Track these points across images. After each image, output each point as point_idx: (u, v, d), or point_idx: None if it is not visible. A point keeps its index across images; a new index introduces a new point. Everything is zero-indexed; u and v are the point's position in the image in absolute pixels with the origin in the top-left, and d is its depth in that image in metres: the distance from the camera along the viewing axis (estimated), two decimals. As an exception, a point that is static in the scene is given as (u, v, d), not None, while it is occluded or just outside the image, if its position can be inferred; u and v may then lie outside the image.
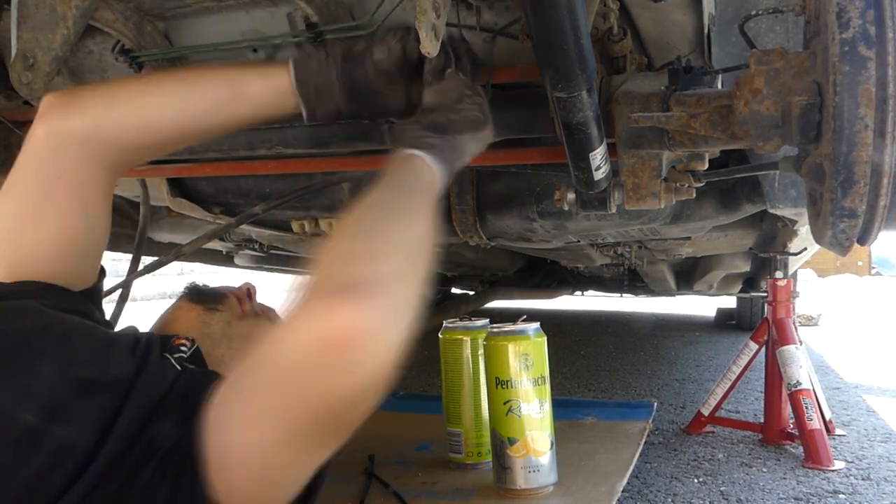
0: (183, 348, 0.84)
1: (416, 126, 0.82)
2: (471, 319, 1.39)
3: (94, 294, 0.91)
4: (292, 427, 0.61)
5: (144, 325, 0.89)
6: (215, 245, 2.23)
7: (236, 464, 0.64)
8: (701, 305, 5.15)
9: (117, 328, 0.90)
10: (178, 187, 1.57)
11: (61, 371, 0.69)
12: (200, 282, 1.09)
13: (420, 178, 0.77)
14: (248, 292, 1.08)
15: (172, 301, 1.07)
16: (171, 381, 0.73)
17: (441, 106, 0.85)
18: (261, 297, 1.12)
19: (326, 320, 0.56)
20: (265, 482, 0.66)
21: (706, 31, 1.04)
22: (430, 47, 0.82)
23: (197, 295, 1.03)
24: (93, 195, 0.88)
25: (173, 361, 0.78)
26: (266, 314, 1.08)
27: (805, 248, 1.93)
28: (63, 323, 0.76)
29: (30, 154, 0.85)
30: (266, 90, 0.88)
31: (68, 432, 0.66)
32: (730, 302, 4.36)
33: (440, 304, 3.11)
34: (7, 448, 0.64)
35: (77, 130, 0.85)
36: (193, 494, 0.66)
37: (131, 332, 0.81)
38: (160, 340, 0.82)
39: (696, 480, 1.54)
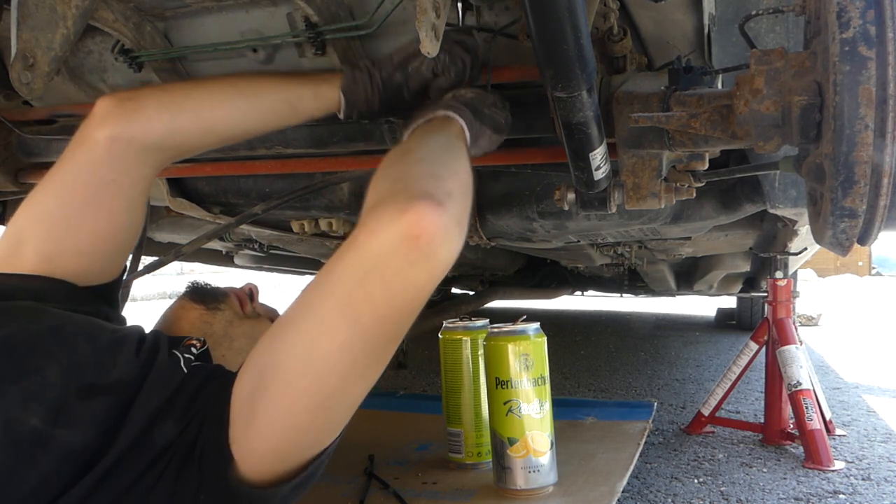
0: (193, 348, 0.84)
1: (455, 98, 0.90)
2: (471, 319, 1.39)
3: (111, 288, 0.91)
4: (369, 325, 0.64)
5: (144, 326, 0.89)
6: (215, 245, 2.23)
7: (296, 382, 0.65)
8: (701, 305, 5.15)
9: None
10: (178, 187, 1.57)
11: (66, 375, 0.69)
12: (202, 281, 1.09)
13: (459, 136, 0.84)
14: (250, 292, 1.08)
15: (173, 300, 1.07)
16: (178, 381, 0.74)
17: (476, 99, 0.92)
18: (263, 298, 1.12)
19: (407, 218, 0.61)
20: (321, 402, 0.67)
21: (706, 30, 1.04)
22: (429, 47, 0.82)
23: (199, 294, 1.04)
24: (139, 196, 0.90)
25: (182, 361, 0.78)
26: (268, 315, 1.08)
27: (805, 248, 1.93)
28: (71, 324, 0.76)
29: (87, 154, 0.85)
30: (318, 108, 0.95)
31: (72, 435, 0.66)
32: (730, 302, 4.37)
33: (440, 304, 3.11)
34: (13, 451, 0.64)
35: (141, 139, 0.86)
36: (200, 478, 0.67)
37: (138, 332, 0.81)
38: (169, 340, 0.83)
39: (696, 480, 1.54)
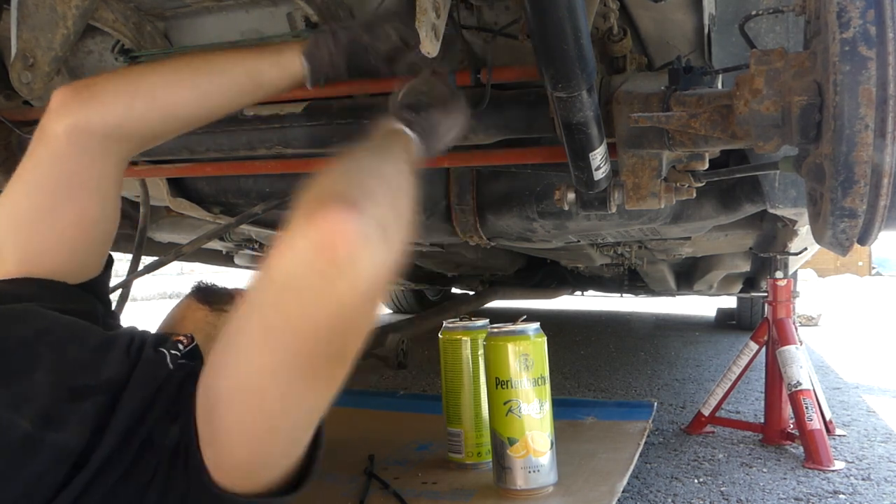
0: (180, 345, 0.84)
1: (393, 104, 0.88)
2: (471, 319, 1.39)
3: (99, 284, 0.91)
4: (291, 347, 0.60)
5: (144, 326, 0.89)
6: (215, 245, 2.23)
7: (235, 405, 0.63)
8: (701, 305, 5.15)
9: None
10: (178, 187, 1.57)
11: (56, 376, 0.69)
12: (209, 281, 1.09)
13: (398, 142, 0.81)
14: None
15: (176, 300, 1.07)
16: (162, 378, 0.73)
17: (412, 88, 0.89)
18: None
19: (315, 226, 0.56)
20: (265, 423, 0.64)
21: (706, 30, 1.04)
22: (429, 47, 0.82)
23: (205, 295, 1.03)
24: (110, 188, 0.88)
25: (168, 357, 0.78)
26: None
27: (805, 248, 1.93)
28: (60, 327, 0.75)
29: (48, 149, 0.84)
30: (281, 77, 0.92)
31: (63, 437, 0.66)
32: (730, 302, 4.36)
33: (440, 304, 3.11)
34: (4, 455, 0.64)
35: (100, 128, 0.85)
36: (188, 481, 0.67)
37: (128, 332, 0.81)
38: (156, 338, 0.82)
39: (696, 480, 1.54)
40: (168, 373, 0.75)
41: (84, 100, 0.85)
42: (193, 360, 0.83)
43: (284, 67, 0.91)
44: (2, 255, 0.82)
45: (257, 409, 0.63)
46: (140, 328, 0.86)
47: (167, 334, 0.87)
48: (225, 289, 1.07)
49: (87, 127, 0.84)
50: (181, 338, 0.86)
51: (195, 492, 0.67)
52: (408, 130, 0.83)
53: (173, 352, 0.80)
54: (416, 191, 0.72)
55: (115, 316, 0.92)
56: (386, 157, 0.75)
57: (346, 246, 0.56)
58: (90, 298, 0.87)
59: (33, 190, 0.83)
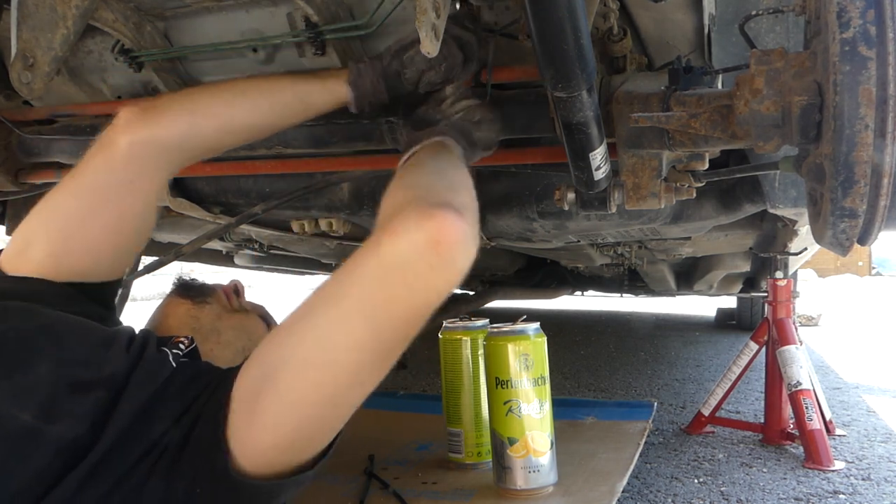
0: (181, 345, 0.85)
1: (444, 123, 0.95)
2: (471, 319, 1.39)
3: (110, 288, 0.92)
4: (382, 324, 0.66)
5: (136, 326, 0.89)
6: (215, 245, 2.23)
7: (307, 373, 0.66)
8: (701, 305, 5.15)
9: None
10: (178, 187, 1.57)
11: (57, 370, 0.70)
12: (188, 276, 1.10)
13: (461, 159, 0.88)
14: (235, 288, 1.09)
15: (162, 299, 1.08)
16: (166, 376, 0.75)
17: (465, 119, 0.97)
18: (250, 296, 1.13)
19: (432, 223, 0.64)
20: (330, 396, 0.68)
21: (706, 30, 1.04)
22: (429, 47, 0.82)
23: (186, 289, 1.06)
24: (153, 199, 0.92)
25: (170, 357, 0.79)
26: (255, 311, 1.09)
27: (805, 248, 1.93)
28: (62, 323, 0.77)
29: (107, 157, 0.87)
30: (326, 101, 0.98)
31: (63, 430, 0.67)
32: (730, 302, 4.36)
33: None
34: (5, 446, 0.65)
35: (162, 139, 0.89)
36: (195, 472, 0.68)
37: (128, 330, 0.82)
38: (158, 338, 0.83)
39: (696, 480, 1.54)
40: (171, 372, 0.76)
41: (150, 116, 0.89)
42: (194, 360, 0.84)
43: (331, 93, 0.98)
44: (32, 246, 0.84)
45: (329, 380, 0.67)
46: (136, 328, 0.87)
47: (167, 336, 0.88)
48: (204, 283, 1.09)
49: (150, 139, 0.88)
50: (182, 339, 0.87)
51: (204, 482, 0.68)
52: (457, 147, 0.90)
53: (175, 351, 0.81)
54: None
55: (115, 321, 0.93)
56: (463, 171, 0.83)
57: (454, 246, 0.65)
58: (88, 302, 0.87)
59: (80, 191, 0.86)
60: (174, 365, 0.78)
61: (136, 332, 0.83)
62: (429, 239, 0.63)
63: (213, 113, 0.93)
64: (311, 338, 0.67)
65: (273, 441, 0.68)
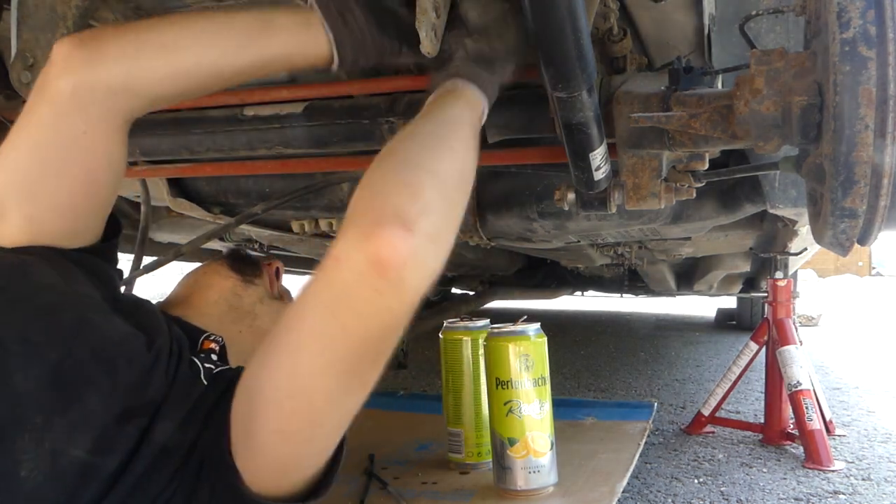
0: (213, 354, 0.84)
1: (461, 54, 0.82)
2: (471, 319, 1.39)
3: (109, 249, 0.89)
4: (342, 350, 0.64)
5: (156, 298, 0.89)
6: (215, 245, 2.23)
7: (283, 404, 0.66)
8: (701, 305, 5.15)
9: None
10: (178, 187, 1.57)
11: (107, 401, 0.68)
12: (243, 249, 1.08)
13: (468, 107, 0.79)
14: (277, 271, 1.08)
15: (194, 270, 1.05)
16: (197, 397, 0.74)
17: (485, 29, 0.82)
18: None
19: (372, 243, 0.60)
20: (309, 422, 0.67)
21: (706, 31, 1.03)
22: (429, 47, 0.81)
23: (237, 263, 1.03)
24: (116, 149, 0.83)
25: (202, 373, 0.78)
26: (287, 297, 1.08)
27: (805, 249, 1.93)
28: (112, 344, 0.73)
29: (52, 107, 0.78)
30: (294, 21, 0.81)
31: (110, 461, 0.67)
32: (730, 302, 4.36)
33: (440, 304, 3.10)
34: (57, 484, 0.64)
35: (106, 83, 0.78)
36: (213, 490, 0.68)
37: (165, 341, 0.78)
38: (189, 343, 0.82)
39: (696, 481, 1.54)
40: (202, 391, 0.75)
41: (89, 52, 0.78)
42: (226, 366, 0.83)
43: (296, 11, 0.81)
44: (5, 213, 0.78)
45: (305, 407, 0.66)
46: (154, 303, 0.87)
47: (198, 333, 0.87)
48: (257, 259, 1.05)
49: (93, 82, 0.77)
50: (212, 344, 0.86)
51: (219, 499, 0.68)
52: (476, 89, 0.79)
53: (207, 365, 0.79)
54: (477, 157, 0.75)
55: (121, 277, 0.90)
56: (452, 137, 0.73)
57: (402, 266, 0.60)
58: (103, 263, 0.85)
59: (37, 149, 0.78)
60: (205, 382, 0.76)
61: (172, 342, 0.79)
62: (370, 262, 0.60)
63: (162, 46, 0.79)
64: (279, 367, 0.66)
65: (267, 463, 0.68)
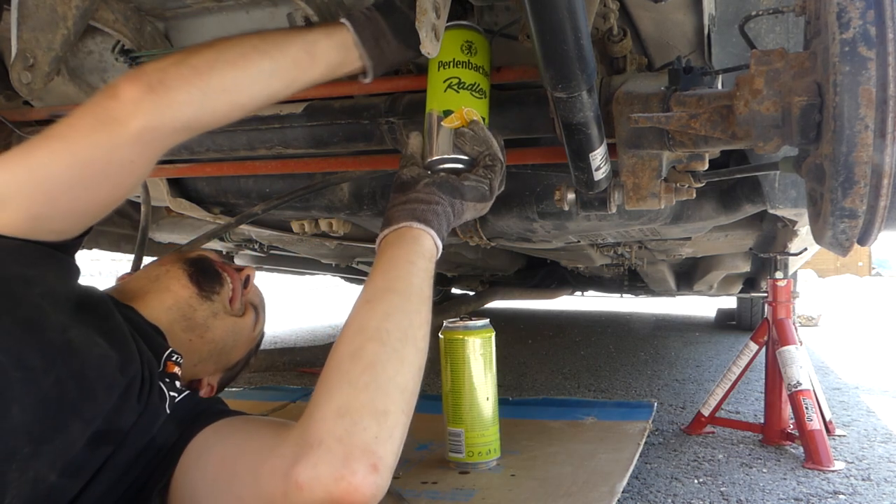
0: (177, 381, 0.86)
1: (424, 185, 0.87)
2: (471, 319, 1.39)
3: (77, 244, 0.90)
4: None
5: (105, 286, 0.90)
6: (215, 245, 2.23)
7: None
8: (701, 306, 5.15)
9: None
10: (178, 187, 1.57)
11: (85, 428, 0.71)
12: (210, 257, 1.08)
13: (421, 256, 0.82)
14: (246, 279, 1.08)
15: (158, 260, 1.07)
16: (159, 425, 0.78)
17: (454, 177, 0.89)
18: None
19: (346, 486, 0.65)
20: None
21: (706, 31, 1.04)
22: (430, 47, 0.82)
23: (198, 275, 1.03)
24: (147, 173, 0.88)
25: (167, 402, 0.82)
26: (254, 302, 1.10)
27: (805, 249, 1.93)
28: (92, 370, 0.74)
29: (111, 137, 0.80)
30: (332, 45, 0.88)
31: (76, 484, 0.70)
32: (730, 302, 4.36)
33: (440, 305, 3.11)
34: None
35: (171, 127, 0.83)
36: None
37: (137, 366, 0.80)
38: (152, 354, 0.84)
39: (696, 481, 1.54)
40: (163, 420, 0.79)
41: (160, 96, 0.81)
42: (184, 392, 0.86)
43: (332, 34, 0.88)
44: (6, 204, 0.78)
45: None
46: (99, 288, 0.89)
47: (163, 351, 0.89)
48: (219, 274, 1.06)
49: (163, 126, 0.82)
50: (175, 368, 0.88)
51: None
52: (431, 232, 0.84)
53: (171, 393, 0.83)
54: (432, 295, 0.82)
55: (78, 272, 0.91)
56: (410, 295, 0.79)
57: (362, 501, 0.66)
58: (64, 258, 0.87)
59: (79, 165, 0.80)
60: (168, 411, 0.80)
61: (142, 363, 0.80)
62: (335, 500, 0.64)
63: (223, 87, 0.84)
64: None
65: None
